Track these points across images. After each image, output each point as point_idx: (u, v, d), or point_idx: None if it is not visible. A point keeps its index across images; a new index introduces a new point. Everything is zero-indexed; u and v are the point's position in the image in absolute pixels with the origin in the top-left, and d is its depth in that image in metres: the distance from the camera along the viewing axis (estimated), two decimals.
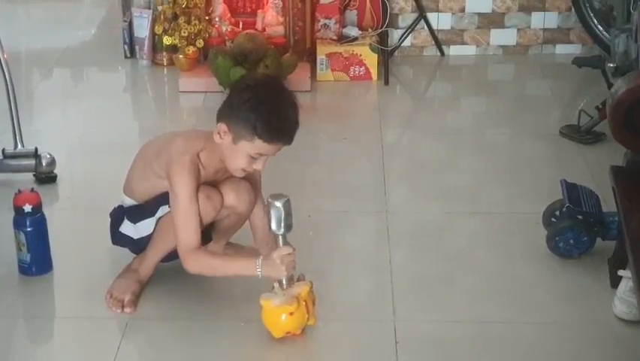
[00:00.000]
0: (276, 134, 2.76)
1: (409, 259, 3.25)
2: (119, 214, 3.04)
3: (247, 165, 2.82)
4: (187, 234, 2.81)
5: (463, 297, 3.04)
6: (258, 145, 2.76)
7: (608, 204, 3.18)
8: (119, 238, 3.05)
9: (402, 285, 3.08)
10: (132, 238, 3.00)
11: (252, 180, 2.98)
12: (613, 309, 2.90)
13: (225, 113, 2.81)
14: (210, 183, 2.90)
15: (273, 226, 2.76)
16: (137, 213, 2.98)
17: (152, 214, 2.94)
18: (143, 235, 2.97)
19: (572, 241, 3.15)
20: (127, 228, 3.00)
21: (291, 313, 2.73)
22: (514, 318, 2.93)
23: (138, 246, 3.01)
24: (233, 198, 2.92)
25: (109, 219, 3.07)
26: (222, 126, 2.79)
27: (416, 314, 2.95)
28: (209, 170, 2.89)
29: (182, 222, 2.82)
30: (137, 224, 2.97)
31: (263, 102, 2.75)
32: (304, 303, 2.75)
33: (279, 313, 2.74)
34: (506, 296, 3.04)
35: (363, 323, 2.89)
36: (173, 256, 2.95)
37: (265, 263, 2.77)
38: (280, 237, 2.76)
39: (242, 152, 2.79)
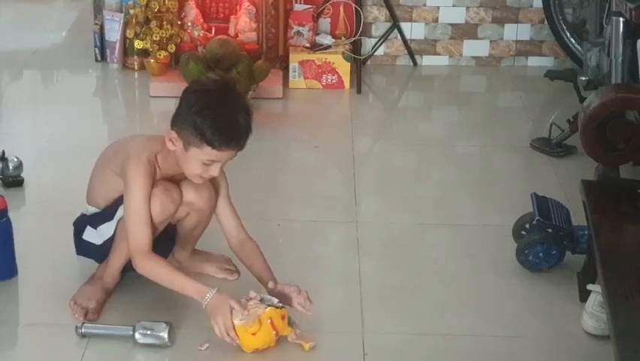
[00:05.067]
0: (224, 140, 2.71)
1: (378, 270, 3.23)
2: (81, 223, 3.02)
3: (202, 172, 2.79)
4: (138, 232, 2.79)
5: (433, 309, 3.02)
6: (208, 152, 2.72)
7: (579, 217, 3.18)
8: (83, 247, 3.03)
9: (371, 296, 3.06)
10: (95, 245, 2.97)
11: (215, 183, 2.95)
12: (581, 323, 2.89)
13: (175, 120, 2.77)
14: (170, 180, 2.89)
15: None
16: (98, 218, 2.97)
17: (112, 217, 2.93)
18: (105, 239, 2.95)
19: (541, 255, 3.15)
20: (89, 234, 2.98)
21: (253, 334, 2.71)
22: (483, 331, 2.92)
23: (102, 253, 2.98)
24: (192, 193, 2.90)
25: (73, 229, 3.04)
26: (172, 133, 2.76)
27: (385, 326, 2.93)
28: (165, 172, 2.87)
29: (134, 222, 2.80)
30: (98, 228, 2.95)
31: (210, 108, 2.71)
32: (269, 321, 2.72)
33: (242, 333, 2.72)
34: (476, 309, 3.03)
35: (331, 335, 2.86)
36: None
37: (213, 302, 2.72)
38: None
39: (194, 159, 2.75)
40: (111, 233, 2.93)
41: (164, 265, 2.82)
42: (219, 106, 2.72)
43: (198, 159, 2.75)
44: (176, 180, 2.90)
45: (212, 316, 2.72)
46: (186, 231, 3.02)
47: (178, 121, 2.76)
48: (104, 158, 3.00)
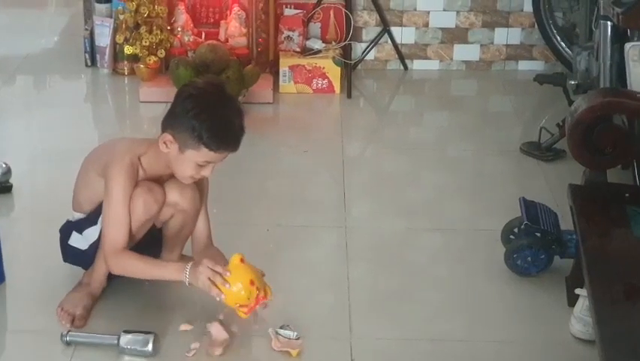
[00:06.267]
0: (222, 142, 2.75)
1: (367, 275, 3.23)
2: (67, 229, 3.02)
3: (195, 173, 2.82)
4: (114, 232, 2.81)
5: (422, 314, 3.02)
6: (205, 153, 2.75)
7: (568, 222, 3.18)
8: (69, 253, 3.02)
9: (360, 301, 3.05)
10: (81, 250, 2.97)
11: (199, 186, 2.96)
12: (570, 328, 2.89)
13: (170, 123, 2.80)
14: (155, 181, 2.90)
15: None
16: (83, 222, 2.97)
17: (96, 221, 2.93)
18: (91, 243, 2.95)
19: (529, 259, 3.15)
20: (75, 239, 2.99)
21: (242, 260, 2.76)
22: (471, 336, 2.92)
23: (87, 259, 2.98)
24: (176, 194, 2.91)
25: (59, 235, 3.04)
26: (167, 136, 2.78)
27: (373, 331, 2.92)
28: (150, 174, 2.88)
29: (111, 220, 2.81)
30: (84, 233, 2.96)
31: (207, 111, 2.74)
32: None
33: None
34: (465, 314, 3.03)
35: (318, 340, 2.85)
36: None
37: (192, 272, 2.75)
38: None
39: (189, 160, 2.78)
40: (96, 237, 2.93)
41: (136, 256, 2.83)
42: (216, 109, 2.76)
43: (193, 161, 2.78)
44: (161, 182, 2.91)
45: (197, 282, 2.73)
46: (172, 233, 3.02)
47: (173, 124, 2.78)
48: (88, 161, 3.01)
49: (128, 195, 2.81)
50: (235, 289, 2.71)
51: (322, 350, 2.82)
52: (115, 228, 2.81)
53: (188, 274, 2.74)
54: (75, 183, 3.03)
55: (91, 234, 2.94)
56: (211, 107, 2.75)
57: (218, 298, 2.72)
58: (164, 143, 2.79)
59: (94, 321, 2.90)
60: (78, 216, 3.00)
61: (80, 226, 2.98)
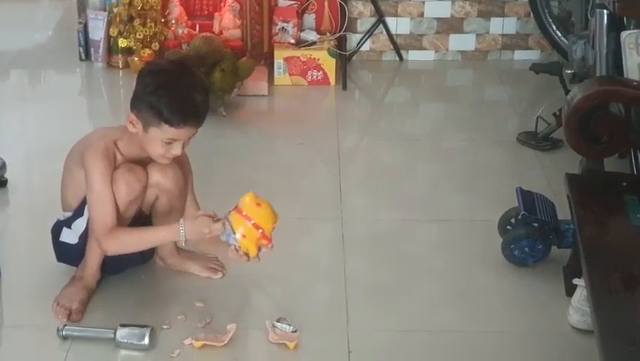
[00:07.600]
0: (181, 118, 2.73)
1: (364, 267, 3.22)
2: (58, 227, 3.02)
3: (165, 151, 2.81)
4: (101, 214, 2.80)
5: (419, 306, 3.01)
6: (166, 130, 2.74)
7: (565, 211, 3.17)
8: (61, 251, 3.02)
9: (356, 294, 3.04)
10: (72, 245, 2.97)
11: (181, 166, 2.96)
12: (568, 318, 2.89)
13: (133, 102, 2.80)
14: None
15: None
16: (72, 218, 2.97)
17: (82, 212, 2.93)
18: (80, 234, 2.94)
19: (527, 249, 3.14)
20: (65, 235, 2.98)
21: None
22: (469, 327, 2.91)
23: (79, 253, 2.97)
24: (158, 174, 2.90)
25: (51, 236, 3.03)
26: (131, 116, 2.79)
27: (370, 323, 2.91)
28: (130, 158, 2.88)
29: (96, 204, 2.81)
30: (72, 226, 2.96)
31: (165, 87, 2.73)
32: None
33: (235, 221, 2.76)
34: (462, 305, 3.02)
35: (316, 333, 2.84)
36: (123, 264, 2.92)
37: (189, 228, 2.75)
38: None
39: (154, 139, 2.77)
40: (84, 227, 2.93)
41: (128, 230, 2.84)
42: (174, 84, 2.75)
43: (159, 139, 2.77)
44: (143, 165, 2.90)
45: (198, 236, 2.76)
46: (161, 215, 2.99)
47: (136, 103, 2.79)
48: (69, 157, 3.01)
49: (108, 177, 2.80)
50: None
51: (319, 343, 2.81)
52: (101, 209, 2.80)
53: (184, 228, 2.74)
54: (61, 183, 3.02)
55: (79, 225, 2.94)
56: (169, 83, 2.74)
57: (224, 228, 2.73)
58: (131, 123, 2.79)
59: (90, 315, 2.90)
60: (67, 215, 2.99)
61: (69, 222, 2.98)
